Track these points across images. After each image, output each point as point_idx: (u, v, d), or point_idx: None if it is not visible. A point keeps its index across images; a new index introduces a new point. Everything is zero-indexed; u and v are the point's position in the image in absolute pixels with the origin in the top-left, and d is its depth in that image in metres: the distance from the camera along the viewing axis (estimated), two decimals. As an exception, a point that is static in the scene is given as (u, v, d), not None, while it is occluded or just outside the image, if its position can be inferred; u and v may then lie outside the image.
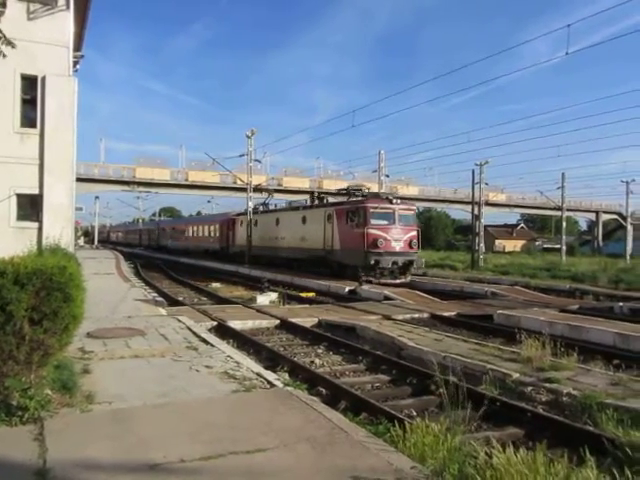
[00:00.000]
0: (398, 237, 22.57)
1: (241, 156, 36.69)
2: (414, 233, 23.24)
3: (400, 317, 13.44)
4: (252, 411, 5.34)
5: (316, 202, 30.27)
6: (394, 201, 23.26)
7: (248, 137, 35.83)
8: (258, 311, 14.08)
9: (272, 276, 24.85)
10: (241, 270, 30.57)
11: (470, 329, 12.68)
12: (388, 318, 13.19)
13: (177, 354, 7.84)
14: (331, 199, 30.55)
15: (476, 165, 38.60)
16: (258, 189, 37.69)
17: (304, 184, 57.86)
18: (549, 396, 7.14)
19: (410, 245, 22.85)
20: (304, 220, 27.54)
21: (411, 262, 22.94)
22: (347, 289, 20.14)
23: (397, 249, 22.47)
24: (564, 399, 6.90)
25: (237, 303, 16.25)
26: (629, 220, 61.62)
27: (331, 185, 53.38)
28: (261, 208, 36.16)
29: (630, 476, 3.79)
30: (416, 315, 14.04)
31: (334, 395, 7.27)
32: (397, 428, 4.92)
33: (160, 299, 15.18)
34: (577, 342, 10.46)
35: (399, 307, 15.38)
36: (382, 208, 22.76)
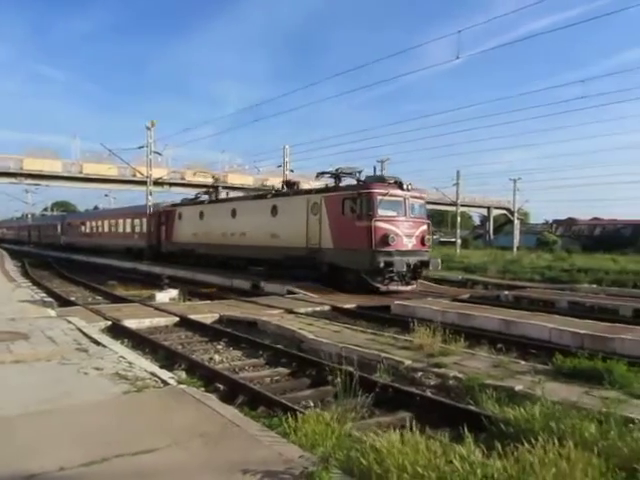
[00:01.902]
0: (410, 232, 18.05)
1: (140, 148, 35.32)
2: (425, 227, 18.89)
3: (302, 310, 13.61)
4: (143, 412, 5.18)
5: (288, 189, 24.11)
6: (405, 186, 18.37)
7: (148, 128, 34.54)
8: (156, 309, 13.65)
9: (173, 272, 24.16)
10: (140, 267, 29.45)
11: (369, 320, 13.11)
12: (290, 312, 13.31)
13: (65, 357, 7.40)
14: (311, 187, 24.96)
15: (377, 162, 39.88)
16: (159, 183, 36.44)
17: (208, 178, 56.65)
18: (437, 380, 7.56)
19: (422, 242, 18.49)
20: (275, 211, 21.94)
21: (425, 263, 18.41)
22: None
23: (409, 247, 17.95)
24: (450, 382, 7.35)
25: (134, 301, 15.64)
26: (516, 215, 66.36)
27: (236, 180, 52.82)
28: (206, 197, 30.35)
29: (499, 448, 4.12)
30: (318, 308, 14.28)
31: (232, 390, 7.23)
32: (290, 419, 4.98)
33: (49, 300, 14.24)
34: (466, 329, 11.18)
35: (302, 300, 15.56)
36: (392, 195, 17.92)
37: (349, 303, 15.04)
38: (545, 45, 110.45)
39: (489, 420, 5.25)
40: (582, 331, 10.30)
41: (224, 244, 25.06)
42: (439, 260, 19.30)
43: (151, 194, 34.43)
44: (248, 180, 56.74)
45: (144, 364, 7.29)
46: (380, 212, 17.54)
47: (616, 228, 55.57)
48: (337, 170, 20.52)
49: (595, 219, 63.61)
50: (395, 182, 18.53)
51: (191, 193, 36.17)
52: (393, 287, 17.57)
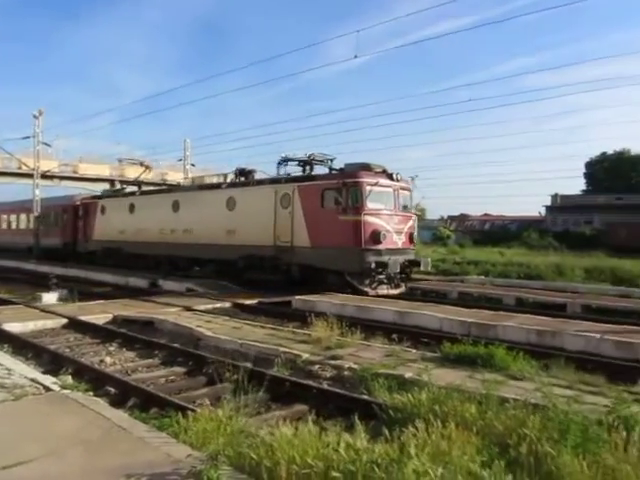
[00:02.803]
0: (399, 228, 16.12)
1: (25, 138, 32.77)
2: (412, 222, 17.09)
3: (201, 307, 13.32)
4: (19, 422, 4.81)
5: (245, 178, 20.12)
6: (394, 176, 16.43)
7: (35, 117, 32.12)
8: (42, 311, 12.73)
9: (63, 271, 22.70)
10: (25, 266, 27.35)
11: (269, 315, 13.09)
12: (189, 309, 12.98)
13: None
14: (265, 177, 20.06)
15: (280, 156, 39.76)
16: (47, 176, 34.03)
17: (103, 171, 53.80)
18: (334, 372, 7.72)
19: (411, 239, 16.72)
20: (232, 203, 18.66)
21: (415, 263, 16.55)
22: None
23: (399, 245, 16.06)
24: (346, 373, 7.53)
25: (18, 303, 14.49)
26: (414, 211, 69.24)
27: (133, 173, 50.53)
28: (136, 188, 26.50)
29: (387, 433, 4.28)
30: (218, 305, 14.04)
31: (123, 393, 6.92)
32: (181, 419, 4.85)
33: None
34: (363, 321, 11.52)
35: (201, 298, 15.22)
36: (381, 185, 15.81)
37: (250, 299, 14.92)
38: (445, 48, 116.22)
39: (380, 407, 5.42)
40: (469, 319, 10.98)
41: (162, 242, 21.35)
42: (429, 259, 17.60)
43: (38, 187, 32.04)
44: (147, 174, 54.46)
45: (24, 370, 6.79)
46: (370, 205, 15.33)
47: (504, 223, 59.96)
48: (309, 157, 17.50)
49: (485, 215, 67.99)
50: (383, 171, 16.32)
51: (87, 188, 32.86)
52: (382, 291, 15.54)
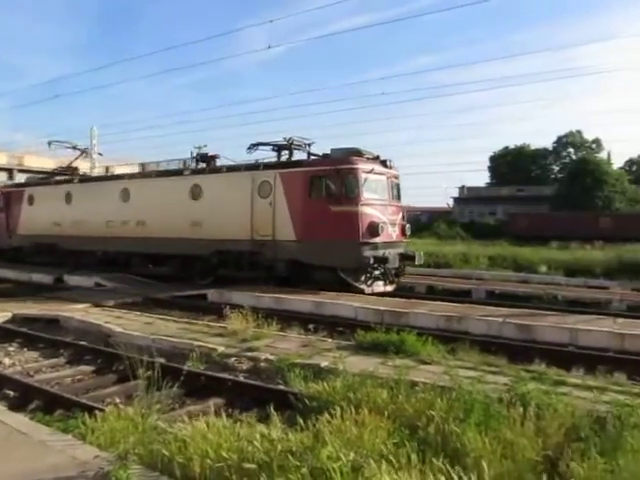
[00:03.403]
0: (393, 219, 14.90)
1: None
2: (404, 213, 16.01)
3: (111, 303, 12.76)
4: None
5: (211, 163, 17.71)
6: (388, 163, 15.22)
7: None
8: None
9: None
10: None
11: (184, 309, 12.77)
12: (97, 305, 12.40)
13: None
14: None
15: (195, 148, 38.87)
16: None
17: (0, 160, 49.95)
18: (250, 364, 7.69)
19: (404, 231, 15.44)
20: (197, 192, 16.56)
21: (409, 257, 15.20)
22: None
23: (394, 238, 14.85)
24: (262, 365, 7.52)
25: None
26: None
27: (33, 162, 47.35)
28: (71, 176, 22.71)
29: (302, 421, 4.34)
30: (129, 300, 13.49)
31: (25, 396, 6.51)
32: (87, 419, 4.64)
33: None
34: (281, 312, 11.56)
35: (111, 292, 14.59)
36: (376, 173, 14.54)
37: (163, 293, 14.49)
38: (361, 42, 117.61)
39: (295, 397, 5.47)
40: (383, 308, 11.31)
41: (110, 236, 18.52)
42: (422, 253, 15.97)
43: None
44: (48, 163, 51.26)
45: None
46: (366, 195, 14.04)
47: (415, 215, 62.34)
48: (288, 140, 15.67)
49: (397, 206, 70.15)
50: (376, 157, 15.08)
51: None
52: (379, 288, 14.29)
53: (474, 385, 5.35)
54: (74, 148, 24.96)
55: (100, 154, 36.34)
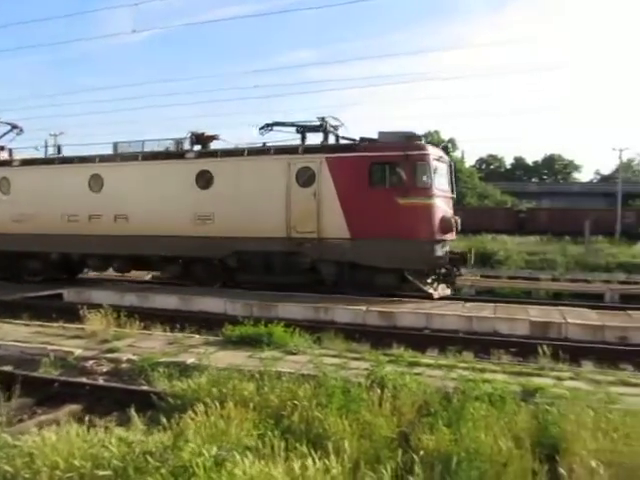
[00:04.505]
0: (452, 213, 13.16)
1: None
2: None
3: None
4: None
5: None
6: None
7: None
8: None
9: None
10: None
11: (37, 311, 11.70)
12: None
13: None
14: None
15: (50, 135, 35.73)
16: None
17: None
18: (110, 366, 7.27)
19: (457, 227, 13.08)
20: (205, 179, 13.68)
21: (462, 257, 13.25)
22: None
23: (454, 234, 13.14)
24: (124, 366, 7.15)
25: None
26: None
27: None
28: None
29: (165, 421, 4.23)
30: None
31: None
32: None
33: None
34: (145, 310, 11.09)
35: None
36: (441, 161, 12.84)
37: (12, 295, 13.18)
38: (238, 33, 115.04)
39: (159, 396, 5.29)
40: (252, 301, 11.32)
41: (70, 235, 14.66)
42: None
43: None
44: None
45: None
46: (438, 186, 12.34)
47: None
48: (323, 120, 13.24)
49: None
50: (435, 143, 13.10)
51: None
52: (445, 291, 12.76)
53: (337, 372, 5.58)
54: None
55: None
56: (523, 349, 8.29)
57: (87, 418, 5.18)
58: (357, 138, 13.18)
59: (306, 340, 7.85)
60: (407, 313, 10.45)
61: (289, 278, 12.92)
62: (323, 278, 12.83)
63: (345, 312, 10.60)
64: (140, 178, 14.32)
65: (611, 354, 8.23)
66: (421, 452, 3.73)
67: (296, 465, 3.37)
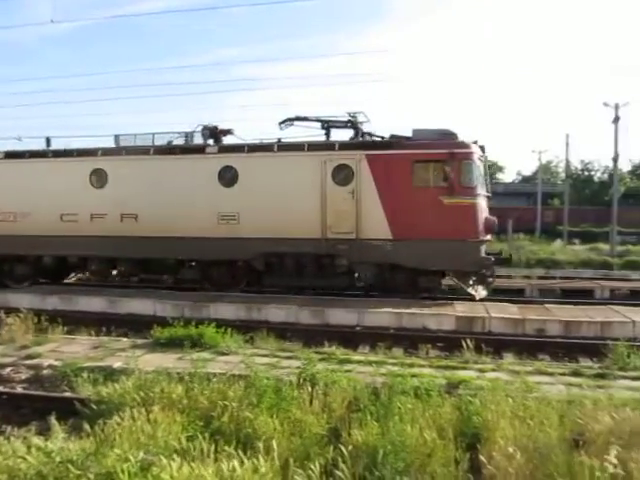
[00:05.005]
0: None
1: None
2: None
3: None
4: None
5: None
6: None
7: None
8: None
9: None
10: None
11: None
12: None
13: None
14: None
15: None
16: None
17: None
18: (30, 372, 6.91)
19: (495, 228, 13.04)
20: (228, 176, 12.78)
21: (498, 258, 12.79)
22: None
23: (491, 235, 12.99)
24: (45, 372, 6.83)
25: None
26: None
27: None
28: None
29: (89, 427, 4.07)
30: None
31: None
32: None
33: None
34: (70, 314, 10.62)
35: None
36: (482, 160, 12.50)
37: None
38: (163, 28, 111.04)
39: (82, 403, 5.09)
40: (182, 302, 11.09)
41: (65, 236, 13.32)
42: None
43: None
44: None
45: None
46: (480, 187, 12.13)
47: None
48: (352, 116, 12.83)
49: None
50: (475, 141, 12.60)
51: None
52: (483, 292, 12.43)
53: (269, 371, 5.58)
54: None
55: None
56: (450, 343, 8.61)
57: (3, 429, 4.95)
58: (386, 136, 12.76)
59: (237, 340, 7.78)
60: (339, 311, 10.57)
61: (322, 281, 12.56)
62: (362, 281, 12.61)
63: (278, 311, 10.60)
64: (152, 174, 13.17)
65: (530, 346, 8.71)
66: (350, 447, 3.80)
67: (224, 466, 3.34)
